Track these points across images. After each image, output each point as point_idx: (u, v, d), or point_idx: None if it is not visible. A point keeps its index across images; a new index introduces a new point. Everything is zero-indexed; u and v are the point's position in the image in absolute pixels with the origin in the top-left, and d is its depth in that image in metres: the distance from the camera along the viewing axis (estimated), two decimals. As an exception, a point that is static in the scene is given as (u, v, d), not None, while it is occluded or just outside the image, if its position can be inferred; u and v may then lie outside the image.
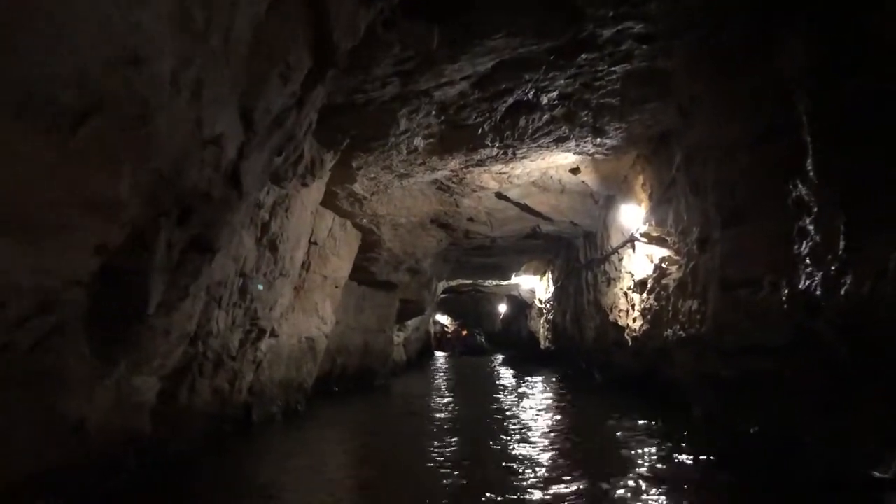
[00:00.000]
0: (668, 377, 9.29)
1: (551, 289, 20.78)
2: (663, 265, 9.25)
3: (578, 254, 15.07)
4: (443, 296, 28.56)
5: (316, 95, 4.70)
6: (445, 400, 13.23)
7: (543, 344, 23.18)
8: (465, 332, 39.78)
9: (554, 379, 17.35)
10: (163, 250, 3.46)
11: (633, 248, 10.81)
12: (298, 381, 10.73)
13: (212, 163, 3.49)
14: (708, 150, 7.24)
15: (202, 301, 5.81)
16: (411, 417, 10.94)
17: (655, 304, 9.21)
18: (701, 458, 6.30)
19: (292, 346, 10.43)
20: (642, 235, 10.14)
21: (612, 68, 6.66)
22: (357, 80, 5.69)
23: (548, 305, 21.55)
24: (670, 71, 6.96)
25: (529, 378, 18.17)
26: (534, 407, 11.35)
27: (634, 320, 10.20)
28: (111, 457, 4.89)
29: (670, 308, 8.63)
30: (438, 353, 35.91)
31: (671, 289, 8.67)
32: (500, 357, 32.00)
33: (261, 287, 7.24)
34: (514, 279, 22.82)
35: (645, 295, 9.72)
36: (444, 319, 46.55)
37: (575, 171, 10.80)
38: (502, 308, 38.79)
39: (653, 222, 9.42)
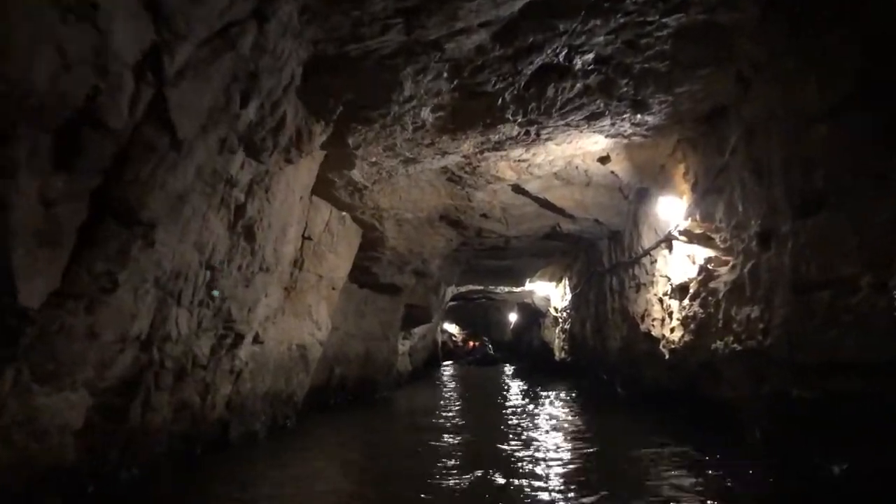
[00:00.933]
0: (714, 396, 8.07)
1: (568, 296, 19.56)
2: (709, 266, 8.05)
3: (602, 257, 13.86)
4: (451, 303, 27.40)
5: (284, 14, 3.57)
6: (452, 416, 12.03)
7: (559, 355, 21.93)
8: (476, 343, 38.67)
9: (573, 394, 16.11)
10: (27, 205, 2.32)
11: (670, 248, 9.61)
12: (287, 393, 9.57)
13: (87, 58, 2.36)
14: (775, 122, 6.05)
15: (151, 296, 4.66)
16: (413, 437, 9.75)
17: (701, 311, 7.99)
18: None
19: (280, 353, 9.28)
20: (682, 233, 8.94)
21: (664, 20, 5.50)
22: (350, 19, 4.55)
23: (564, 314, 20.33)
24: (731, 27, 5.79)
25: (544, 392, 16.92)
26: (552, 427, 10.14)
27: (672, 330, 8.99)
28: (15, 498, 3.74)
29: (720, 316, 7.42)
30: (446, 363, 34.86)
31: (721, 294, 7.46)
32: (510, 368, 30.77)
33: (231, 288, 6.09)
34: (528, 286, 21.61)
35: (687, 301, 8.51)
36: (451, 328, 45.40)
37: (604, 159, 9.63)
38: (512, 317, 37.68)
39: (697, 217, 8.22)
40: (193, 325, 5.74)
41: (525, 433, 9.24)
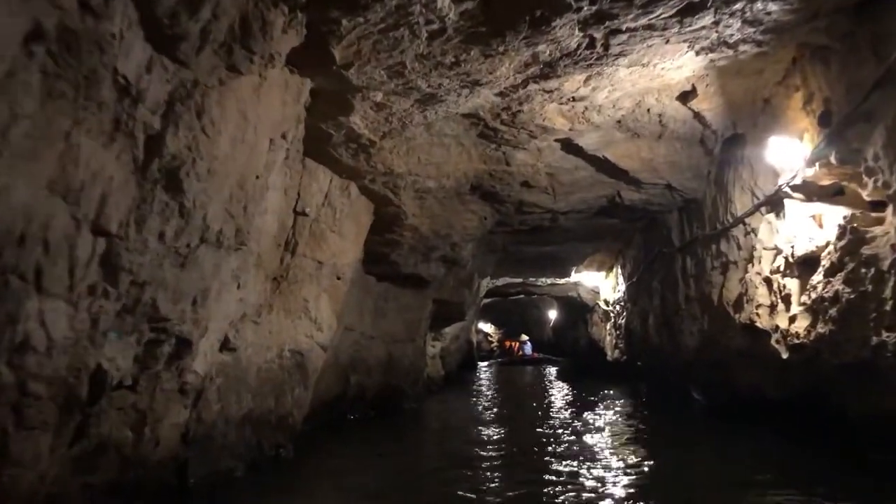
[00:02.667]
0: (865, 411, 5.79)
1: (622, 287, 17.22)
2: (855, 227, 5.75)
3: (670, 234, 11.54)
4: (484, 300, 25.26)
5: None
6: (492, 433, 9.89)
7: (611, 354, 19.60)
8: (516, 343, 37.14)
9: (633, 402, 13.79)
10: None
11: (778, 211, 7.33)
12: (279, 414, 7.51)
13: None
14: None
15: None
16: (446, 466, 7.64)
17: (847, 290, 5.69)
18: None
19: (267, 363, 7.23)
20: (799, 188, 6.68)
21: None
22: None
23: (617, 307, 17.99)
24: None
25: (595, 398, 14.65)
26: (618, 451, 7.93)
27: (793, 319, 6.68)
28: None
29: (888, 295, 5.13)
30: (482, 363, 32.91)
31: (888, 263, 5.17)
32: (552, 370, 28.49)
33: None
34: (574, 276, 19.32)
35: (818, 278, 6.20)
36: (486, 327, 43.35)
37: (687, 96, 7.37)
38: (552, 314, 35.65)
39: (832, 159, 5.92)
40: (83, 325, 3.67)
41: (584, 468, 7.05)
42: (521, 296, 28.49)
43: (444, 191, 9.49)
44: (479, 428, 10.62)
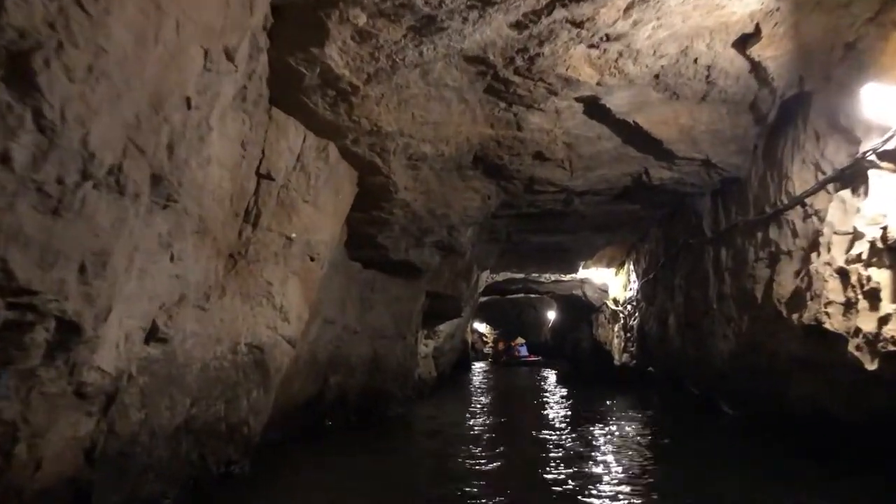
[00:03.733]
0: None
1: (634, 284, 15.88)
2: None
3: (702, 221, 10.18)
4: (480, 299, 23.89)
5: None
6: (490, 450, 8.55)
7: (619, 358, 18.25)
8: (513, 343, 36.11)
9: (648, 412, 12.42)
10: None
11: (860, 186, 5.97)
12: (230, 423, 6.12)
13: None
14: None
15: None
16: (435, 489, 6.28)
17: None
18: None
19: (216, 359, 5.84)
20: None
21: None
22: None
23: (628, 307, 16.64)
24: None
25: (603, 408, 13.31)
26: (642, 479, 6.58)
27: (885, 320, 5.31)
28: None
29: None
30: (476, 365, 31.63)
31: None
32: (550, 374, 27.12)
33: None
34: (582, 273, 17.97)
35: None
36: (481, 327, 42.06)
37: (747, 40, 6.01)
38: (551, 315, 34.72)
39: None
40: None
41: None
42: (521, 294, 27.15)
43: (443, 160, 8.09)
44: (475, 442, 9.29)
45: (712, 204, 9.74)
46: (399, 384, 12.60)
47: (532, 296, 31.14)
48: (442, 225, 9.82)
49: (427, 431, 11.63)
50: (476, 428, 11.06)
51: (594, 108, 7.26)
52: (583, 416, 12.09)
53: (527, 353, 34.29)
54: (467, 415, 13.09)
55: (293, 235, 6.79)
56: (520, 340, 35.97)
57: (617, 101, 7.12)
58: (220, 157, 5.14)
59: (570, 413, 12.82)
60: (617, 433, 9.75)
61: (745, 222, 8.52)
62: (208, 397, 5.76)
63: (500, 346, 37.59)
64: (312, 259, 7.24)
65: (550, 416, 12.34)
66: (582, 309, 23.06)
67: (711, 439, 8.84)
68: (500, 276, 18.96)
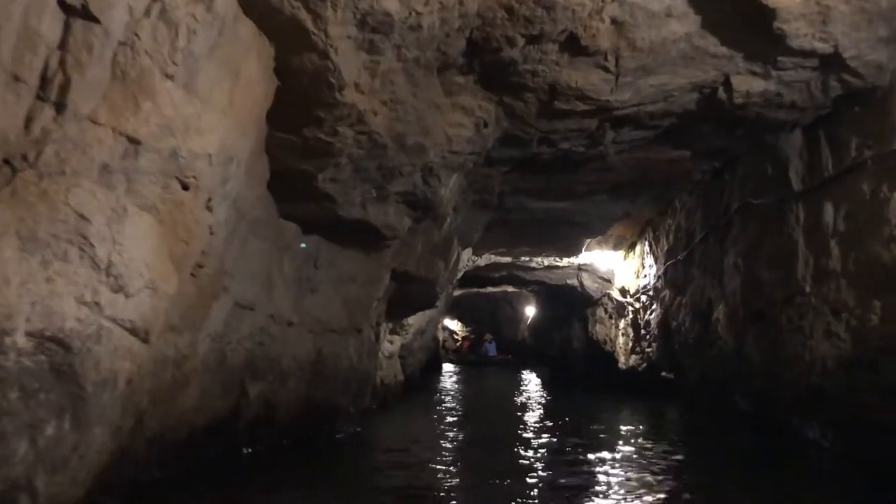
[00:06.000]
0: None
1: (651, 270, 13.06)
2: None
3: (787, 168, 7.29)
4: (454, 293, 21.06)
5: None
6: (470, 478, 5.81)
7: (625, 361, 15.42)
8: (484, 339, 35.20)
9: (679, 440, 9.51)
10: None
11: None
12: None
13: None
14: None
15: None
16: None
17: None
18: None
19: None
20: None
21: None
22: None
23: (642, 298, 13.78)
24: None
25: (607, 425, 10.46)
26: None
27: None
28: None
29: None
30: (446, 367, 29.02)
31: None
32: (532, 377, 24.27)
33: None
34: (584, 256, 15.09)
35: None
36: (453, 324, 39.39)
37: None
38: (529, 311, 32.39)
39: None
40: None
41: None
42: (503, 287, 24.34)
43: (419, 43, 5.06)
44: (452, 473, 6.54)
45: (807, 142, 6.91)
46: (352, 394, 9.55)
47: (510, 290, 29.00)
48: (415, 164, 6.77)
49: (389, 459, 8.68)
50: (452, 452, 8.23)
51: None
52: (588, 435, 9.27)
53: (495, 352, 33.10)
54: (441, 431, 10.19)
55: (141, 136, 3.73)
56: (488, 337, 34.71)
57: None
58: None
59: (567, 431, 9.90)
60: (646, 467, 6.87)
61: (880, 157, 5.66)
62: None
63: (465, 344, 36.67)
64: (185, 187, 4.15)
65: (546, 436, 9.42)
66: (575, 302, 20.20)
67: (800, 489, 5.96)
68: (483, 261, 15.95)
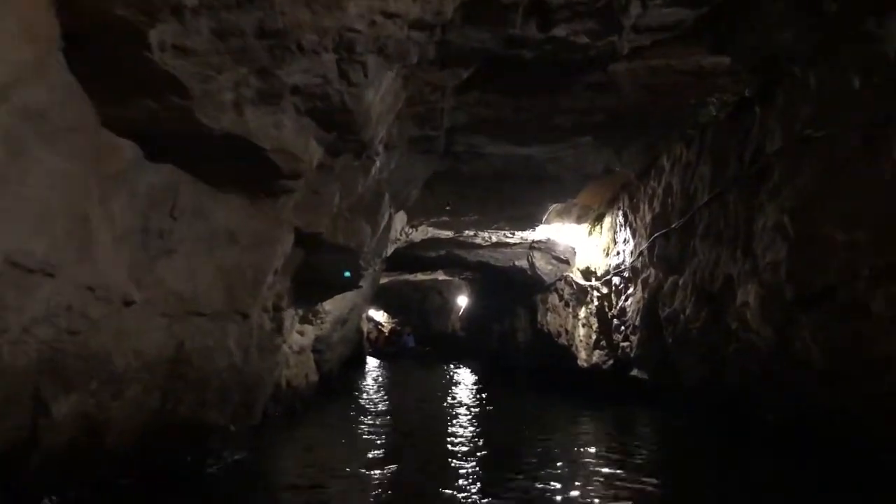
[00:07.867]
0: None
1: (626, 246, 10.73)
2: None
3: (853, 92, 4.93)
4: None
5: None
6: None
7: (586, 357, 13.10)
8: (406, 332, 34.87)
9: (700, 471, 7.14)
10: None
11: None
12: None
13: None
14: None
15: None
16: None
17: None
18: None
19: None
20: None
21: None
22: None
23: (614, 281, 11.41)
24: None
25: (571, 466, 8.02)
26: None
27: None
28: None
29: None
30: (372, 361, 26.91)
31: None
32: (465, 372, 21.89)
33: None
34: (542, 230, 12.64)
35: None
36: (377, 315, 36.94)
37: None
38: (462, 301, 30.81)
39: None
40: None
41: None
42: (439, 270, 21.86)
43: None
44: None
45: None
46: (232, 406, 6.75)
47: (440, 279, 26.81)
48: (325, 29, 4.04)
49: (286, 498, 6.02)
50: (375, 478, 5.63)
51: None
52: (545, 462, 6.85)
53: (414, 344, 33.01)
54: (361, 447, 7.63)
55: None
56: (407, 330, 34.64)
57: None
58: None
59: (527, 452, 7.45)
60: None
61: None
62: None
63: (382, 337, 36.33)
64: None
65: (495, 461, 6.90)
66: (521, 288, 17.82)
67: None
68: (419, 234, 13.26)
